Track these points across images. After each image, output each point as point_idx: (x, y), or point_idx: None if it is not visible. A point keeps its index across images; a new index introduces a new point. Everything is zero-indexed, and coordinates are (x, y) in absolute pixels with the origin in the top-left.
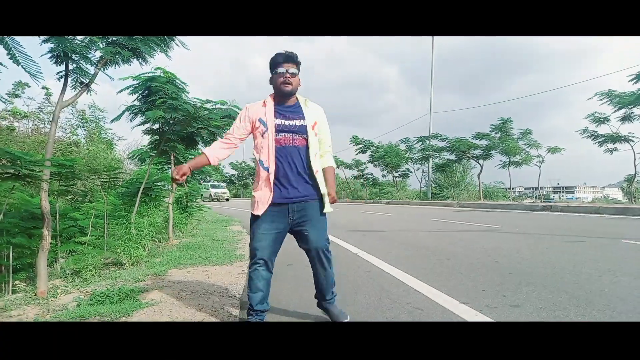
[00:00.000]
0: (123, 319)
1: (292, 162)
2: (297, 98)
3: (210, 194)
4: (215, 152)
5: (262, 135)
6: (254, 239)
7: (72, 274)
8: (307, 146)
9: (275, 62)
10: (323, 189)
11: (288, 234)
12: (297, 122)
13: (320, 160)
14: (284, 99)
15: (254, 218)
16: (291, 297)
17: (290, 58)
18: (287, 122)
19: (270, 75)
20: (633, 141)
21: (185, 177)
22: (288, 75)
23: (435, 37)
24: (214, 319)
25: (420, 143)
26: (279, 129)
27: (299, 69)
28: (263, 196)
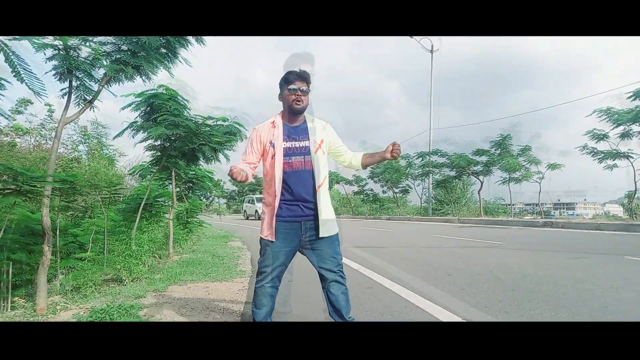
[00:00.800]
0: None
1: (302, 184)
2: (304, 117)
3: (256, 210)
4: (247, 169)
5: (272, 158)
6: (264, 255)
7: (71, 290)
8: (312, 167)
9: (288, 80)
10: (329, 209)
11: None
12: (306, 144)
13: (354, 156)
14: (293, 117)
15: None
16: (291, 311)
17: (302, 76)
18: (297, 144)
19: (279, 92)
20: (633, 157)
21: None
22: (300, 92)
23: (434, 54)
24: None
25: (420, 159)
26: (289, 153)
27: (309, 88)
28: (272, 218)
